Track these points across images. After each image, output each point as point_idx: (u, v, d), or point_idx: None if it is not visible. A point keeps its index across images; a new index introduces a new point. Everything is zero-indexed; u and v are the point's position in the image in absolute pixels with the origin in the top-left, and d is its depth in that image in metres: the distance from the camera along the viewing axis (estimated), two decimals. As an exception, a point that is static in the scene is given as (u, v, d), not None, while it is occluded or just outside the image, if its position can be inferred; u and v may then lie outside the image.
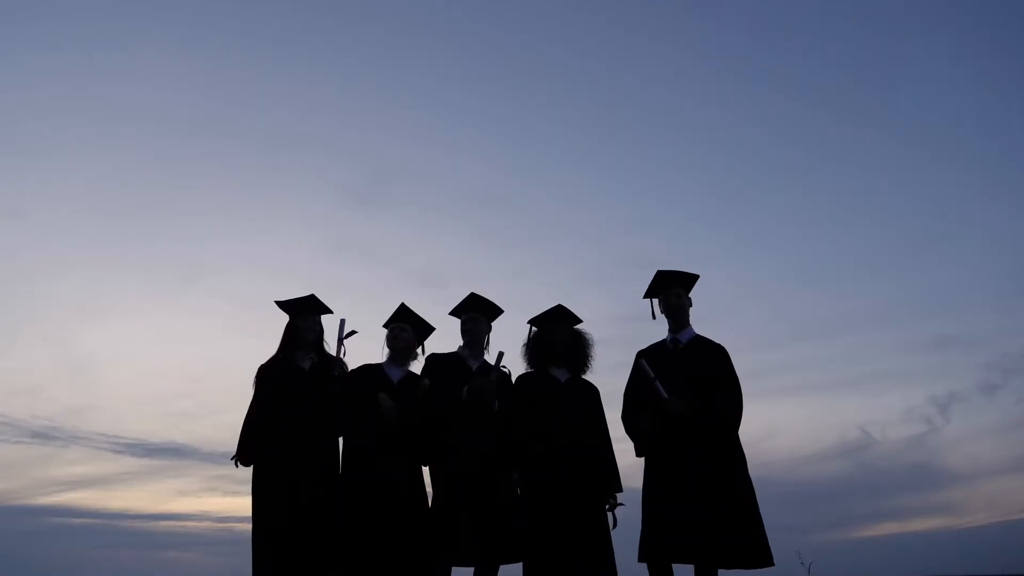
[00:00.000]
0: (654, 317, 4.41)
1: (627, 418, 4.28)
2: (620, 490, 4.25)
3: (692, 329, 4.31)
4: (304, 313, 4.54)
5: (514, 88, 15.44)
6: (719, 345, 4.25)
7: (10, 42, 12.50)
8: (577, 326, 4.57)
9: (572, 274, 14.93)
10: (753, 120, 15.55)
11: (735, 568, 3.77)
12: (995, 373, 14.02)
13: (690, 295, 4.37)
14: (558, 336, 4.45)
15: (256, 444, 4.29)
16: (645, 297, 4.43)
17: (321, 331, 4.61)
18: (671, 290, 4.31)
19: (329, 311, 4.63)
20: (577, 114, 15.88)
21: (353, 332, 4.48)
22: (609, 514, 4.21)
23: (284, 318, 4.63)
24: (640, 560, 3.96)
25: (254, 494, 4.22)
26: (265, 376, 4.46)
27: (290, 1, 14.21)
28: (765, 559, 3.76)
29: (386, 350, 4.53)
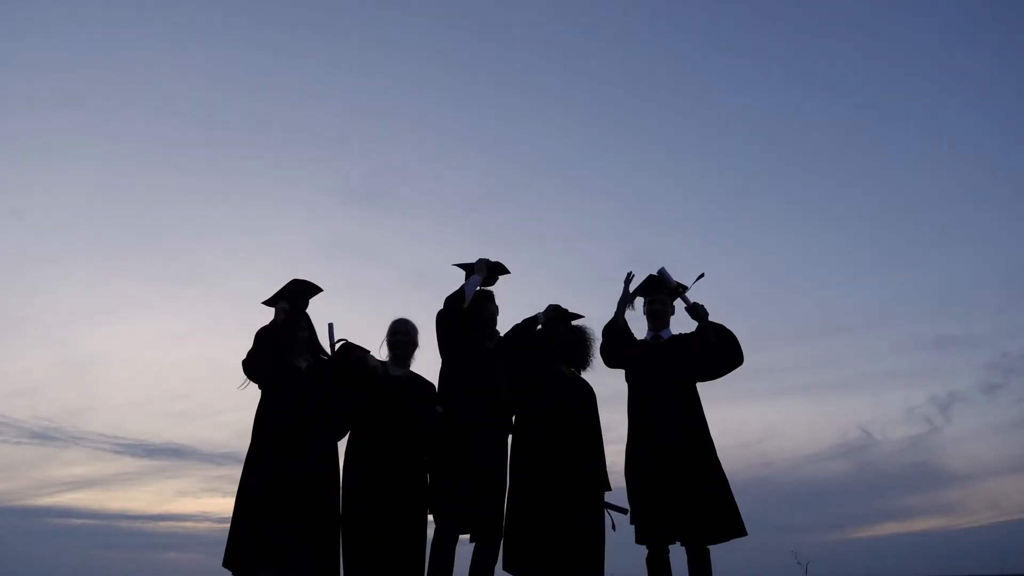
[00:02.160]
0: (632, 307, 4.67)
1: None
2: (609, 488, 4.32)
3: (670, 330, 4.61)
4: (294, 300, 4.42)
5: (513, 89, 15.48)
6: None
7: (11, 42, 12.53)
8: (580, 323, 4.64)
9: (572, 274, 14.95)
10: (754, 120, 15.58)
11: (716, 542, 4.07)
12: (996, 373, 14.06)
13: (675, 303, 4.64)
14: (560, 335, 4.53)
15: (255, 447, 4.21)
16: (633, 293, 4.65)
17: (312, 330, 4.50)
18: (657, 296, 4.61)
19: (318, 289, 4.52)
20: (577, 115, 15.92)
21: (343, 340, 4.45)
22: (607, 515, 4.26)
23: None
24: (637, 542, 4.18)
25: (242, 488, 4.10)
26: (264, 344, 4.32)
27: (291, 3, 14.24)
28: (738, 530, 4.08)
29: (385, 350, 4.53)
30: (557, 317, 4.55)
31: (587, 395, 4.53)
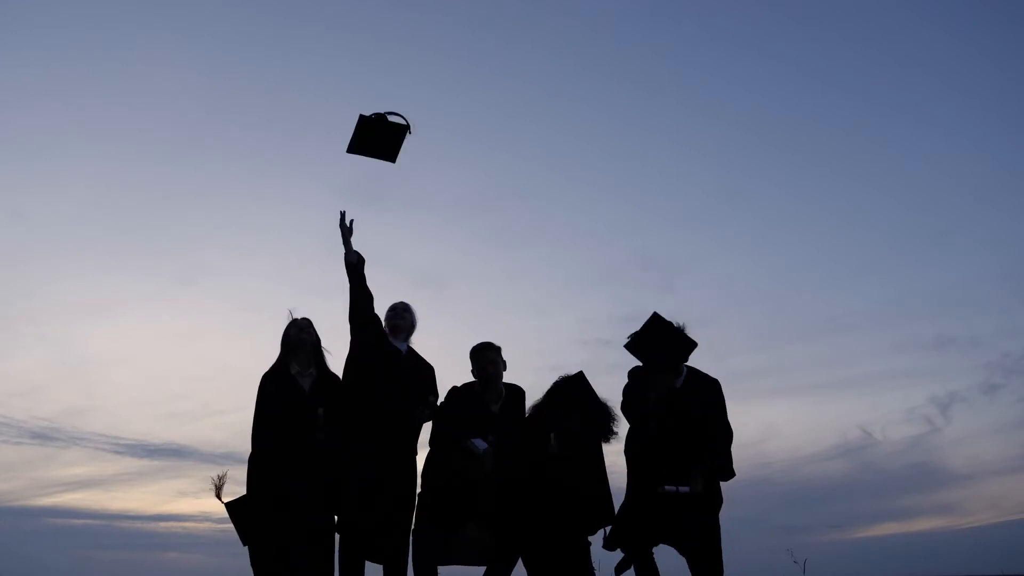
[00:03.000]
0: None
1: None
2: (611, 523, 4.25)
3: (683, 369, 4.26)
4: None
5: (512, 88, 15.46)
6: (713, 379, 4.28)
7: (10, 42, 12.53)
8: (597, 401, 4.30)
9: (572, 274, 14.95)
10: (753, 119, 15.56)
11: None
12: (996, 373, 14.01)
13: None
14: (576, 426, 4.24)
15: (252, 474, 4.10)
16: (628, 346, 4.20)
17: (317, 339, 4.38)
18: (659, 369, 4.20)
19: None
20: (576, 114, 15.90)
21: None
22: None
23: (285, 317, 4.42)
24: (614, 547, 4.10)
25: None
26: (266, 392, 4.20)
27: (289, 2, 14.24)
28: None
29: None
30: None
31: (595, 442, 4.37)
